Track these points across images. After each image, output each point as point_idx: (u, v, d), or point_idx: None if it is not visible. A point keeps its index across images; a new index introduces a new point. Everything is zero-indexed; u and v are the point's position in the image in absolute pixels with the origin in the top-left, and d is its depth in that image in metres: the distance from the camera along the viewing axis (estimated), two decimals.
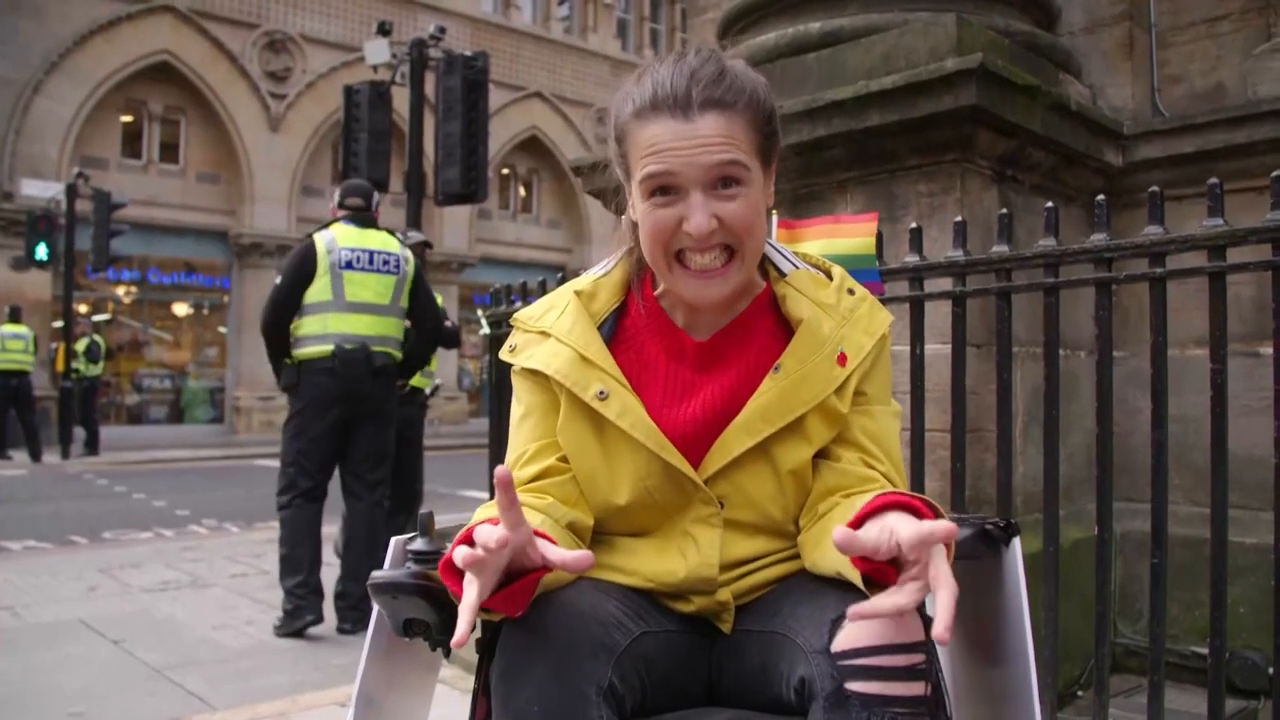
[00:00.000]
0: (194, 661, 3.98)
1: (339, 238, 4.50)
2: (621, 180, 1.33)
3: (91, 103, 17.52)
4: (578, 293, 1.38)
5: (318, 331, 4.43)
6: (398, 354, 4.67)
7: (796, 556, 1.32)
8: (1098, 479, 2.26)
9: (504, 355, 1.38)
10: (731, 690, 1.28)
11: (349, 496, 4.63)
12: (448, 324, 5.13)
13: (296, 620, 4.36)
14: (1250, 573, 2.93)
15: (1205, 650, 2.21)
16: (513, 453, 1.37)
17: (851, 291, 1.35)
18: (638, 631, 1.20)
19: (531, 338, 1.36)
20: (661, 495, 1.30)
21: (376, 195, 4.87)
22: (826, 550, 1.17)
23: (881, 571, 1.06)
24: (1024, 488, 3.00)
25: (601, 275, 1.41)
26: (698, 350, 1.33)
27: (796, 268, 1.38)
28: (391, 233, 4.79)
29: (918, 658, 1.07)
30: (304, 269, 4.43)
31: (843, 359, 1.28)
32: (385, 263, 4.55)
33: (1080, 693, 3.03)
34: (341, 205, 4.67)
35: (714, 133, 1.21)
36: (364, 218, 4.63)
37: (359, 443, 4.58)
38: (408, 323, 4.77)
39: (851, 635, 1.09)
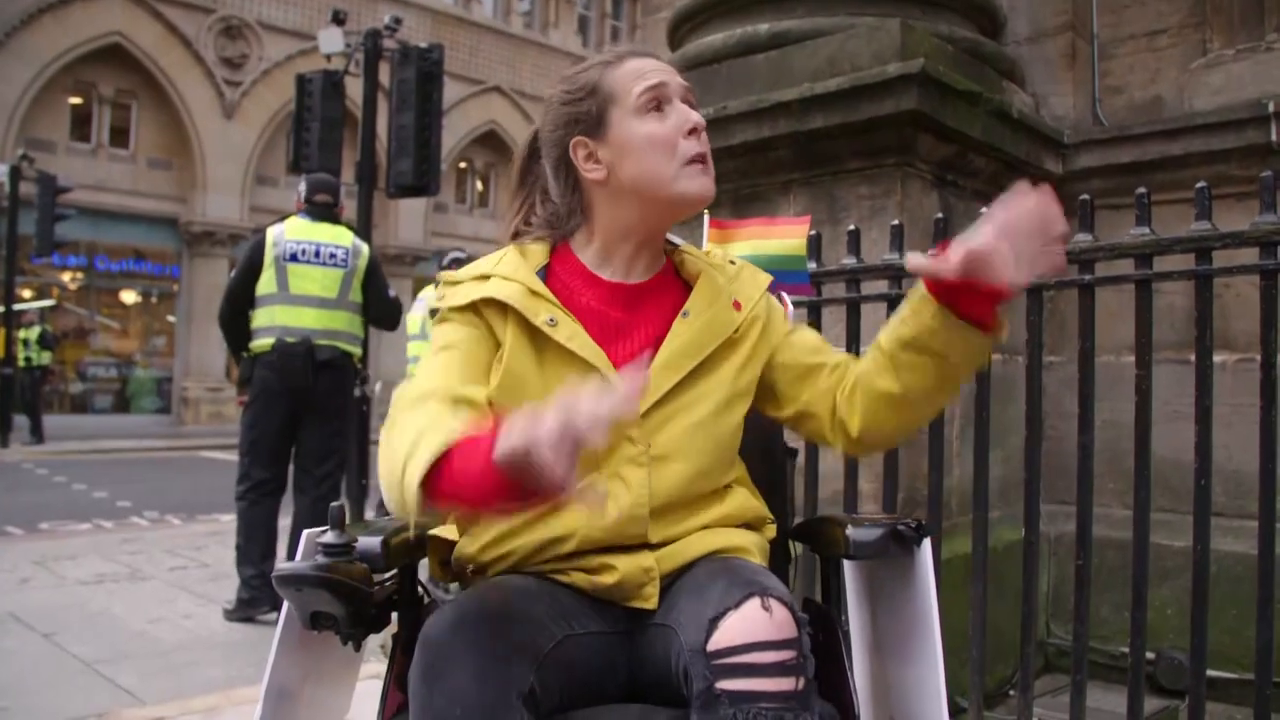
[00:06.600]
0: (127, 655, 3.91)
1: (287, 230, 4.54)
2: (582, 137, 1.41)
3: (39, 84, 17.15)
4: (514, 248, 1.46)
5: (265, 324, 4.48)
6: (349, 348, 4.67)
7: (721, 526, 1.38)
8: (1026, 482, 2.29)
9: (433, 302, 1.43)
10: (650, 682, 1.30)
11: (296, 490, 4.66)
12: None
13: (251, 608, 4.43)
14: (1179, 575, 2.98)
15: None
16: (429, 380, 1.30)
17: (733, 263, 1.54)
18: (560, 635, 1.21)
19: (466, 286, 1.40)
20: None
21: (343, 191, 4.90)
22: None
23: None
24: (961, 489, 3.03)
25: (528, 243, 1.49)
26: (628, 291, 1.43)
27: (683, 240, 1.56)
28: (351, 227, 4.81)
29: (788, 654, 1.11)
30: (253, 261, 4.51)
31: (737, 305, 1.45)
32: (332, 256, 4.57)
33: (1012, 692, 3.07)
34: (308, 201, 4.69)
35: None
36: (322, 213, 4.65)
37: (305, 437, 4.62)
38: None
39: (725, 634, 1.12)
